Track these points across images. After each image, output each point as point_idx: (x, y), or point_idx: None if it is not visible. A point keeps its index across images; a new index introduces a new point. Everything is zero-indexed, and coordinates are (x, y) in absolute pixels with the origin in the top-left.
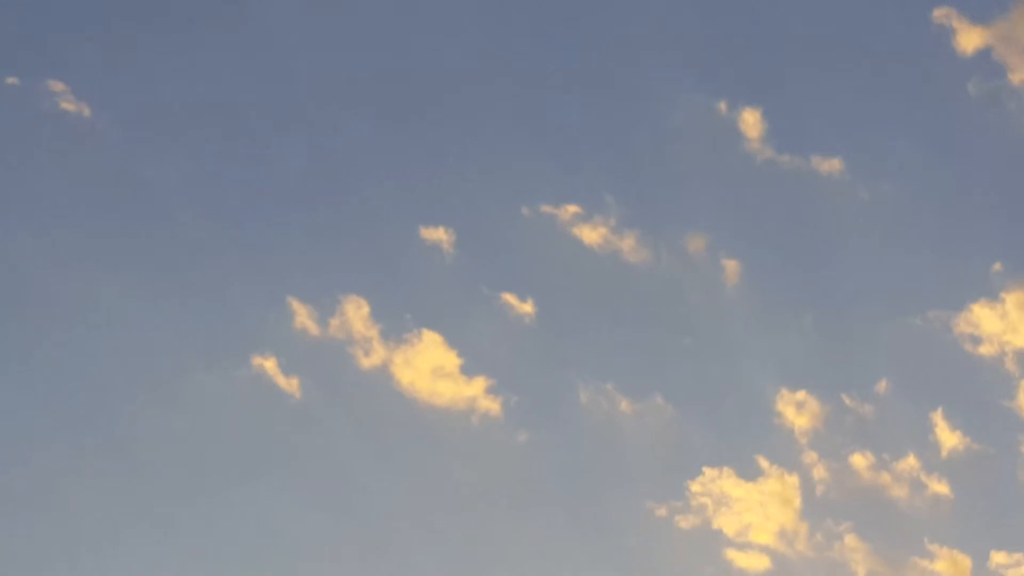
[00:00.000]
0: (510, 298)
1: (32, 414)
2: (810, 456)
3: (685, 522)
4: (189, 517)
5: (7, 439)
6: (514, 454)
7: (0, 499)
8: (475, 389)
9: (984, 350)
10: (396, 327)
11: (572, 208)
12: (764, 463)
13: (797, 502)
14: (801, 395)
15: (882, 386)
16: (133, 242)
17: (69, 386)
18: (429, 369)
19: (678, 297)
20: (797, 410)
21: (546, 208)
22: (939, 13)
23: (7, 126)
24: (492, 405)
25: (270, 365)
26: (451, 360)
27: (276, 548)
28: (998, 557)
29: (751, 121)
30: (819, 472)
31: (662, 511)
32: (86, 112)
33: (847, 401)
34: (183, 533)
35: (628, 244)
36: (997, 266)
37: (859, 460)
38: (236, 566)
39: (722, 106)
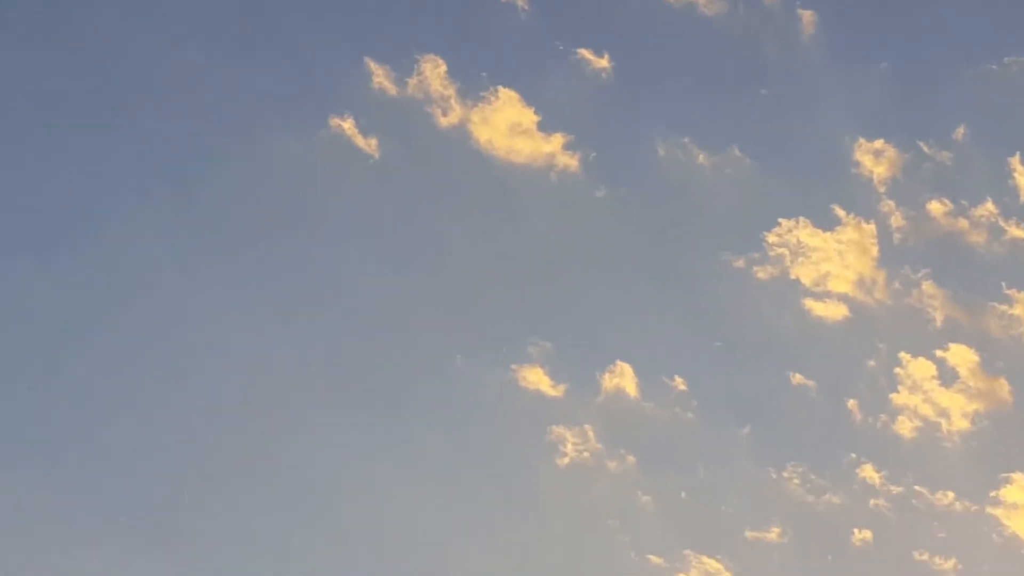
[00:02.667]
0: (586, 53)
1: (125, 170)
2: (887, 204)
3: (763, 273)
4: (266, 270)
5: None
6: (593, 209)
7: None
8: (553, 145)
9: None
10: (473, 85)
11: None
12: (841, 212)
13: (875, 250)
14: (879, 143)
15: (960, 132)
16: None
17: (151, 145)
18: (507, 126)
19: (754, 48)
20: (875, 158)
21: None
22: None
23: None
24: (570, 161)
25: (348, 126)
26: (528, 117)
27: (355, 304)
28: None
29: None
30: (896, 220)
31: (739, 262)
32: None
33: (925, 148)
34: (260, 281)
35: None
36: None
37: (937, 207)
38: (316, 317)
39: None
